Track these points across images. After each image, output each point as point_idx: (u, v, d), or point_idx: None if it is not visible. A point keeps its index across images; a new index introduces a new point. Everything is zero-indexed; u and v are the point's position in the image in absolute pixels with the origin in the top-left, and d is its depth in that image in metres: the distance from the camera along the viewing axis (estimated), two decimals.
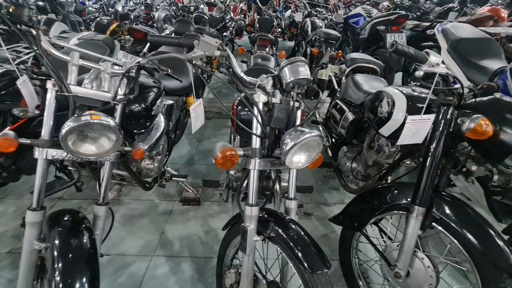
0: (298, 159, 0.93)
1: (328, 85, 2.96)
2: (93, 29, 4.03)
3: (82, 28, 4.84)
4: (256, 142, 0.97)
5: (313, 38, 3.49)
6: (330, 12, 5.63)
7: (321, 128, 2.33)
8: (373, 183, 1.54)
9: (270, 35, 3.25)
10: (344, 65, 2.30)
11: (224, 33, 4.23)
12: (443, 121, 0.97)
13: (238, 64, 0.95)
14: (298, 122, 1.04)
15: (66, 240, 0.95)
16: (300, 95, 1.05)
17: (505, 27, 2.47)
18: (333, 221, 1.38)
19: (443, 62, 0.96)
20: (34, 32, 0.92)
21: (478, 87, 1.09)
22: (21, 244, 1.70)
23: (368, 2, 4.69)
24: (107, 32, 3.91)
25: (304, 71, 0.94)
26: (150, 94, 1.33)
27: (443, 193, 1.05)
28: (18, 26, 0.91)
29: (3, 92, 1.33)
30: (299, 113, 1.05)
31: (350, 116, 1.71)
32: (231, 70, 0.96)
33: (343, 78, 2.10)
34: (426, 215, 1.04)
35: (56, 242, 0.93)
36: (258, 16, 4.16)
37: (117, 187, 1.73)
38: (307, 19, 4.08)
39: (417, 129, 0.97)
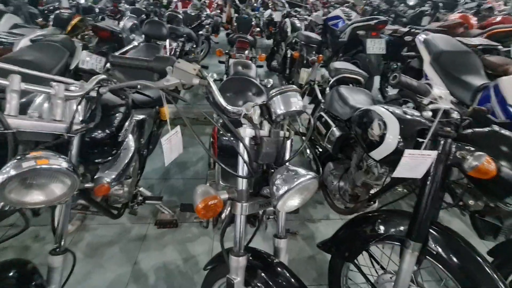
0: (292, 203, 0.82)
1: (310, 92, 2.88)
2: (51, 22, 3.62)
3: (39, 20, 4.34)
4: (242, 184, 0.85)
5: (294, 40, 3.39)
6: (309, 12, 5.57)
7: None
8: (361, 206, 1.48)
9: (249, 37, 3.09)
10: (327, 72, 2.22)
11: (200, 32, 4.00)
12: (442, 154, 0.91)
13: (219, 93, 0.81)
14: (287, 154, 0.94)
15: None
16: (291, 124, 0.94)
17: (481, 38, 2.53)
18: (322, 248, 1.30)
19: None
20: None
21: (469, 110, 1.05)
22: None
23: (346, 5, 4.67)
24: (68, 27, 3.52)
25: (297, 102, 0.83)
26: (116, 116, 1.14)
27: (439, 225, 1.01)
28: None
29: None
30: (288, 142, 0.94)
31: (337, 132, 1.63)
32: (211, 99, 0.82)
33: (327, 88, 2.03)
34: (421, 249, 0.99)
35: None
36: (236, 15, 3.98)
37: (80, 215, 1.52)
38: (287, 20, 3.97)
39: (416, 164, 0.90)
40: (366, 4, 4.99)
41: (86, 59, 2.40)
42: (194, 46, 3.50)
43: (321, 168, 1.85)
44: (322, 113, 1.87)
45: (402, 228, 1.07)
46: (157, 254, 1.63)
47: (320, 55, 3.19)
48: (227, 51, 3.10)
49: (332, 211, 2.00)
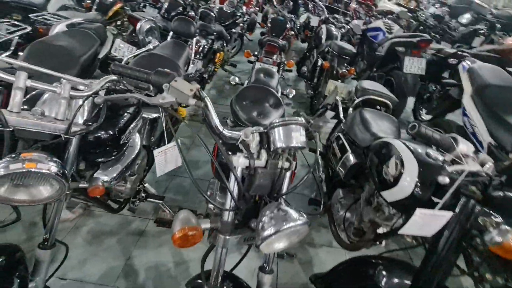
0: (277, 246, 0.75)
1: (334, 107, 2.75)
2: (95, 7, 3.78)
3: (86, 2, 4.57)
4: (228, 215, 0.79)
5: (326, 49, 3.24)
6: (349, 18, 5.32)
7: (319, 158, 2.14)
8: (366, 244, 1.37)
9: (280, 41, 3.00)
10: (354, 89, 2.09)
11: (233, 30, 3.97)
12: (461, 216, 0.79)
13: (216, 116, 0.76)
14: (285, 185, 0.87)
15: None
16: (293, 153, 0.86)
17: None
18: (314, 282, 1.22)
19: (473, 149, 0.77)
20: None
21: (505, 163, 0.90)
22: None
23: (390, 16, 4.37)
24: (109, 13, 3.66)
25: (299, 138, 0.75)
26: (124, 116, 1.14)
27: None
28: None
29: None
30: (288, 174, 0.87)
31: (352, 159, 1.52)
32: (207, 122, 0.77)
33: (351, 108, 1.90)
34: None
35: None
36: (273, 15, 3.89)
37: (83, 204, 1.56)
38: (323, 26, 3.81)
39: (427, 222, 0.79)
40: (412, 17, 4.65)
41: (118, 47, 2.48)
42: (224, 44, 3.48)
43: (326, 194, 1.75)
44: (341, 135, 1.75)
45: (404, 282, 0.96)
46: (152, 253, 1.64)
47: (352, 68, 3.03)
48: (255, 53, 3.05)
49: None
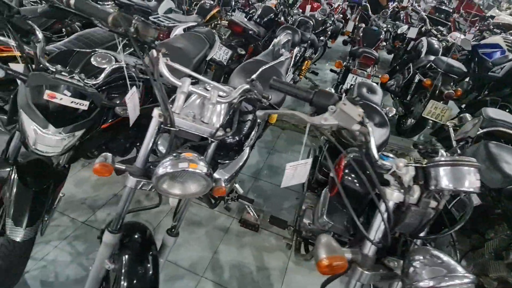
0: None
1: (435, 131, 2.47)
2: (196, 10, 4.15)
3: (186, 6, 5.05)
4: (370, 248, 0.75)
5: (428, 65, 2.93)
6: (447, 30, 4.73)
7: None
8: None
9: (375, 53, 2.83)
10: (469, 116, 1.82)
11: (321, 37, 3.91)
12: None
13: (374, 145, 0.72)
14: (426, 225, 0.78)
15: (133, 267, 0.93)
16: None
17: None
18: None
19: None
20: (154, 53, 0.84)
21: None
22: (95, 217, 1.84)
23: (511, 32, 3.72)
24: (207, 16, 3.98)
25: (474, 182, 0.66)
26: (247, 124, 1.19)
27: None
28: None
29: (112, 88, 1.37)
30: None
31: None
32: (364, 150, 0.73)
33: (469, 139, 1.65)
34: None
35: (124, 268, 0.92)
36: (363, 25, 3.70)
37: None
38: (423, 39, 3.46)
39: None
40: None
41: (216, 49, 2.66)
42: (314, 53, 3.45)
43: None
44: None
45: None
46: (236, 251, 1.70)
47: (459, 89, 2.67)
48: (346, 64, 2.93)
49: None
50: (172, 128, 0.83)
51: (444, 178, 0.68)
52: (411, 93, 3.07)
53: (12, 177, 1.17)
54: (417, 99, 3.10)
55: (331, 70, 3.98)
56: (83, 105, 1.11)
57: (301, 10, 5.30)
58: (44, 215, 1.21)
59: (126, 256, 0.94)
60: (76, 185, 2.00)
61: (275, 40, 1.84)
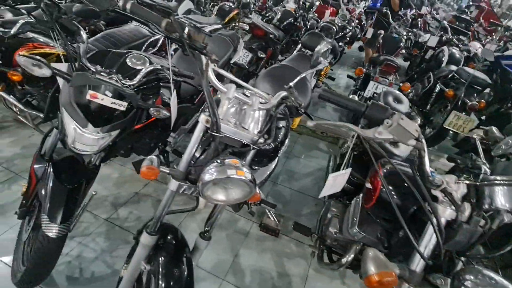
0: None
1: (460, 143, 2.44)
2: (214, 12, 4.18)
3: (208, 9, 5.09)
4: (418, 264, 0.74)
5: (450, 74, 2.89)
6: (467, 40, 4.67)
7: None
8: None
9: (397, 61, 2.80)
10: (496, 130, 1.78)
11: (340, 43, 3.89)
12: None
13: (428, 161, 0.71)
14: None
15: (169, 269, 0.95)
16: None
17: None
18: None
19: None
20: (204, 60, 0.85)
21: None
22: (117, 215, 1.86)
23: None
24: (226, 18, 4.01)
25: None
26: (281, 130, 1.19)
27: None
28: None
29: (146, 89, 1.39)
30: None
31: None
32: (419, 164, 0.73)
33: (495, 154, 1.62)
34: None
35: (160, 269, 0.93)
36: (382, 31, 3.67)
37: None
38: (444, 48, 3.42)
39: None
40: None
41: (240, 53, 2.67)
42: (334, 58, 3.44)
43: None
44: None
45: None
46: (256, 256, 1.70)
47: (483, 101, 2.63)
48: (367, 71, 2.91)
49: None
50: (217, 134, 0.83)
51: (500, 198, 0.66)
52: (431, 102, 3.03)
53: (48, 174, 1.19)
54: (437, 108, 3.06)
55: (348, 76, 3.96)
56: (122, 106, 1.13)
57: (316, 15, 5.29)
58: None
59: (162, 258, 0.95)
60: (99, 182, 2.01)
61: (316, 48, 1.83)
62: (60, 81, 1.14)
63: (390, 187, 0.99)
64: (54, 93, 1.25)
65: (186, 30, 0.80)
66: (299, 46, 2.65)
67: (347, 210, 1.40)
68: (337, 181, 0.93)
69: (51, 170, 1.19)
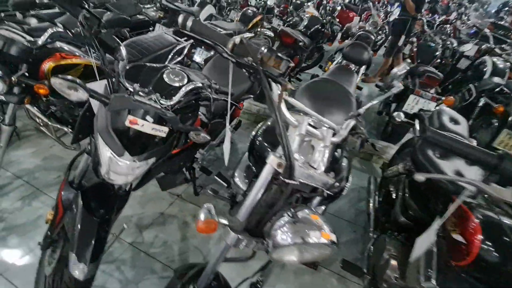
0: None
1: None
2: (237, 18, 4.06)
3: (225, 13, 4.98)
4: None
5: (496, 88, 2.66)
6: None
7: None
8: None
9: (439, 73, 2.59)
10: None
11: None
12: None
13: None
14: None
15: None
16: None
17: None
18: None
19: None
20: (277, 89, 0.69)
21: None
22: (142, 238, 1.72)
23: None
24: (249, 24, 3.87)
25: None
26: (343, 163, 1.02)
27: None
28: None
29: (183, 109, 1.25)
30: None
31: None
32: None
33: None
34: None
35: None
36: (414, 39, 3.46)
37: None
38: (486, 58, 3.17)
39: None
40: None
41: None
42: (367, 68, 3.25)
43: None
44: None
45: None
46: None
47: None
48: (405, 83, 2.71)
49: None
50: (293, 182, 0.67)
51: None
52: (473, 117, 2.79)
53: (77, 204, 1.06)
54: (479, 124, 2.82)
55: (377, 86, 3.75)
56: (163, 131, 0.99)
57: (338, 20, 5.10)
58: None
59: None
60: None
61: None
62: (94, 102, 1.01)
63: (498, 246, 0.80)
64: (85, 112, 1.12)
65: (260, 53, 0.65)
66: (340, 57, 2.48)
67: (408, 252, 1.21)
68: (424, 241, 0.76)
69: (81, 200, 1.06)
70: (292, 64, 2.37)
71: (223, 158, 1.13)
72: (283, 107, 0.69)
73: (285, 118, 0.71)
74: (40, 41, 1.44)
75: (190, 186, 1.92)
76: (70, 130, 1.80)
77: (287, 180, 0.67)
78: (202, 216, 0.68)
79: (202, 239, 1.73)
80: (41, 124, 1.92)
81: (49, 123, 1.73)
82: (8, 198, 1.78)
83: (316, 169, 0.78)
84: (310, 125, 0.80)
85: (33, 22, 2.18)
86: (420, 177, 0.73)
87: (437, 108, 1.76)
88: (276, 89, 0.68)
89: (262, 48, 0.65)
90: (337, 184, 0.76)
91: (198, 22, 0.66)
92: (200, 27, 0.66)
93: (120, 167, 0.98)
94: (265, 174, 0.70)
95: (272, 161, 0.69)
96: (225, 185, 1.66)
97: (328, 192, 0.76)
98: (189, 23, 0.65)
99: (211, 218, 0.68)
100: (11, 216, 1.68)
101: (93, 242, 1.03)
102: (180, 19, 0.66)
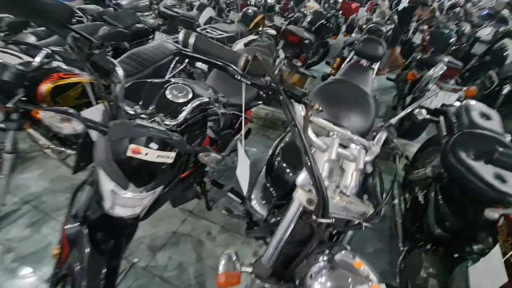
0: None
1: None
2: (238, 19, 3.94)
3: (225, 15, 4.86)
4: None
5: None
6: None
7: None
8: None
9: (459, 62, 2.42)
10: None
11: None
12: None
13: None
14: None
15: None
16: None
17: None
18: None
19: None
20: (300, 109, 0.58)
21: None
22: (155, 262, 1.63)
23: None
24: (251, 24, 3.75)
25: None
26: (371, 183, 0.90)
27: None
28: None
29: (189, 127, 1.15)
30: None
31: None
32: None
33: None
34: None
35: None
36: (426, 26, 3.27)
37: None
38: (506, 41, 2.97)
39: None
40: None
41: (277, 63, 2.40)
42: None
43: None
44: None
45: None
46: None
47: None
48: (420, 76, 2.54)
49: None
50: (327, 221, 0.56)
51: None
52: (496, 107, 2.61)
53: (83, 240, 0.97)
54: (503, 114, 2.63)
55: (388, 79, 3.59)
56: (170, 157, 0.89)
57: (340, 12, 4.91)
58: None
59: None
60: None
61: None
62: (93, 131, 0.92)
63: None
64: (85, 139, 1.03)
65: (279, 71, 0.54)
66: (351, 53, 2.32)
67: (448, 269, 1.09)
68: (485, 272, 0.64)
69: (87, 235, 0.97)
70: (299, 64, 2.21)
71: (233, 168, 1.03)
72: (310, 131, 0.58)
73: (311, 142, 0.60)
74: (35, 62, 1.37)
75: (201, 201, 1.83)
76: (74, 152, 1.73)
77: (320, 220, 0.55)
78: (221, 268, 0.57)
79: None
80: (44, 146, 1.86)
81: (51, 145, 1.66)
82: (17, 225, 1.72)
83: (349, 195, 0.67)
84: (342, 145, 0.69)
85: (32, 39, 2.12)
86: (492, 213, 0.61)
87: (464, 102, 1.61)
88: (299, 110, 0.57)
89: (283, 67, 0.54)
90: (367, 210, 0.65)
91: (201, 38, 0.55)
92: (205, 44, 0.55)
93: (125, 200, 0.89)
94: (293, 211, 0.59)
95: (301, 196, 0.58)
96: (239, 201, 1.56)
97: (367, 225, 0.64)
98: (191, 40, 0.55)
99: (232, 268, 0.57)
100: (21, 245, 1.62)
101: (103, 278, 0.94)
102: (180, 36, 0.56)
